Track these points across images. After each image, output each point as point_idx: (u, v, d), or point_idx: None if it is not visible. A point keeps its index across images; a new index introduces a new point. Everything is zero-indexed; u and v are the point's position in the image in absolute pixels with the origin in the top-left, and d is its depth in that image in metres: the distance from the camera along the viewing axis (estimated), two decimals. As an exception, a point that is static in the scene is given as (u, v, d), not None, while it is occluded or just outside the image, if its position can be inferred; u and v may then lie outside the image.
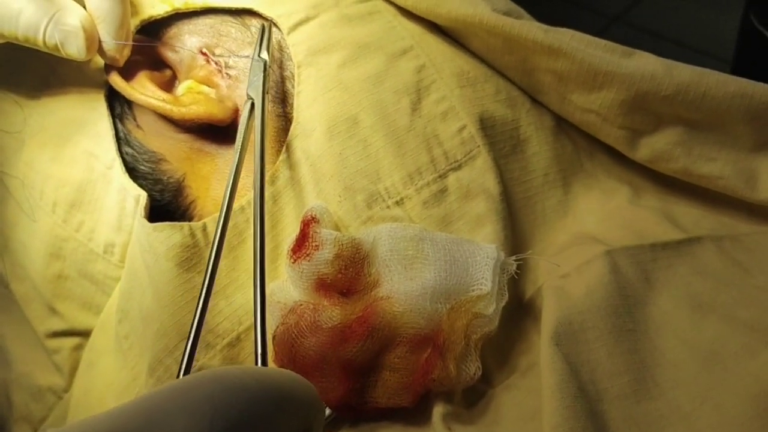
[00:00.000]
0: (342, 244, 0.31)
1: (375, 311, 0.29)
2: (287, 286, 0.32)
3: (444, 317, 0.29)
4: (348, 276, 0.30)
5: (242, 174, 0.36)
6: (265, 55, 0.35)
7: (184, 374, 0.29)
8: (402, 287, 0.30)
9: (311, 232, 0.31)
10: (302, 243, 0.31)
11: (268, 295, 0.32)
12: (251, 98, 0.34)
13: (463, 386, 0.29)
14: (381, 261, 0.31)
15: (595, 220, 0.35)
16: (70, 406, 0.37)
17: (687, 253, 0.32)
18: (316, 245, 0.31)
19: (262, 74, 0.34)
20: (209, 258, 0.31)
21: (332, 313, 0.29)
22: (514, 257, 0.32)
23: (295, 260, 0.31)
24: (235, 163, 0.33)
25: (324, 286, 0.30)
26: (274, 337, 0.30)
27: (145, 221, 0.34)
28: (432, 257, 0.30)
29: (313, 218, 0.31)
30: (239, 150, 0.33)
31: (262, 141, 0.33)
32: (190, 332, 0.30)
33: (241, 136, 0.33)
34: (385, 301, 0.29)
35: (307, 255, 0.30)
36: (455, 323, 0.29)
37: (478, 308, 0.30)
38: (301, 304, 0.30)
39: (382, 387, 0.29)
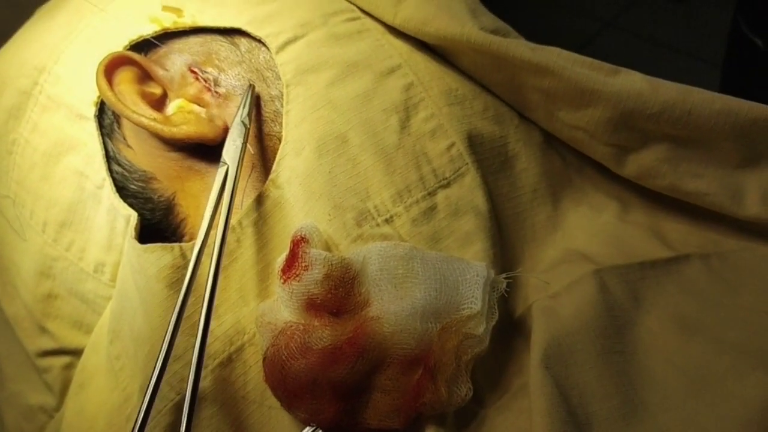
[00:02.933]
0: (332, 265, 0.31)
1: (365, 332, 0.29)
2: (277, 306, 0.32)
3: (434, 338, 0.30)
4: (338, 296, 0.30)
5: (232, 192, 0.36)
6: (246, 120, 0.34)
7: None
8: (392, 307, 0.30)
9: (301, 252, 0.31)
10: (292, 263, 0.31)
11: (258, 315, 0.32)
12: (225, 164, 0.33)
13: (455, 408, 0.29)
14: (371, 280, 0.31)
15: (584, 236, 0.36)
16: (62, 428, 0.37)
17: (675, 272, 0.33)
18: (305, 265, 0.31)
19: (240, 140, 0.34)
20: (187, 286, 0.31)
21: (322, 334, 0.30)
22: (504, 275, 0.32)
23: (285, 280, 0.31)
24: (203, 230, 0.32)
25: (314, 306, 0.30)
26: (264, 359, 0.30)
27: (135, 242, 0.34)
28: (422, 276, 0.30)
29: (302, 238, 0.31)
30: (208, 218, 0.32)
31: (228, 214, 0.32)
32: (157, 369, 0.29)
33: (211, 206, 0.33)
34: (375, 322, 0.29)
35: (297, 275, 0.31)
36: (446, 344, 0.29)
37: (469, 328, 0.30)
38: (291, 325, 0.30)
39: (373, 409, 0.29)
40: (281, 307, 0.31)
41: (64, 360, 0.39)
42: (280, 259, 0.32)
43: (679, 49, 1.06)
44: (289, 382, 0.29)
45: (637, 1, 1.19)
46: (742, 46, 0.83)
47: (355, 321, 0.30)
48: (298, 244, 0.31)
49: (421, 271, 0.31)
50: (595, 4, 1.18)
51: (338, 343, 0.29)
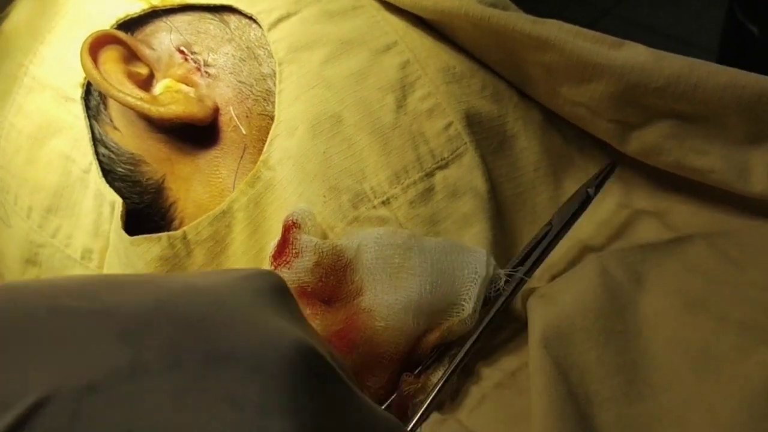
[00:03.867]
0: (322, 252, 0.30)
1: (356, 326, 0.28)
2: None
3: (420, 335, 0.29)
4: (329, 284, 0.30)
5: (223, 175, 0.35)
6: None
7: None
8: (385, 298, 0.29)
9: (291, 239, 0.30)
10: (282, 249, 0.30)
11: None
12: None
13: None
14: (366, 268, 0.30)
15: (585, 221, 0.35)
16: None
17: (678, 252, 0.32)
18: (296, 252, 0.30)
19: None
20: None
21: (312, 323, 0.29)
22: (503, 271, 0.31)
23: (275, 267, 0.30)
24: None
25: (305, 294, 0.30)
26: None
27: (123, 233, 0.33)
28: (419, 268, 0.30)
29: (294, 223, 0.30)
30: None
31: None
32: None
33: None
34: (366, 314, 0.29)
35: (287, 263, 0.30)
36: (428, 339, 0.29)
37: (454, 327, 0.29)
38: None
39: None
40: None
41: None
42: (272, 245, 0.31)
43: (676, 37, 1.06)
44: None
45: (633, -11, 1.18)
46: (738, 34, 0.83)
47: (347, 310, 0.29)
48: (289, 229, 0.30)
49: (418, 262, 0.30)
50: (590, -8, 1.18)
51: (328, 335, 0.28)
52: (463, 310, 0.30)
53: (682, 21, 1.10)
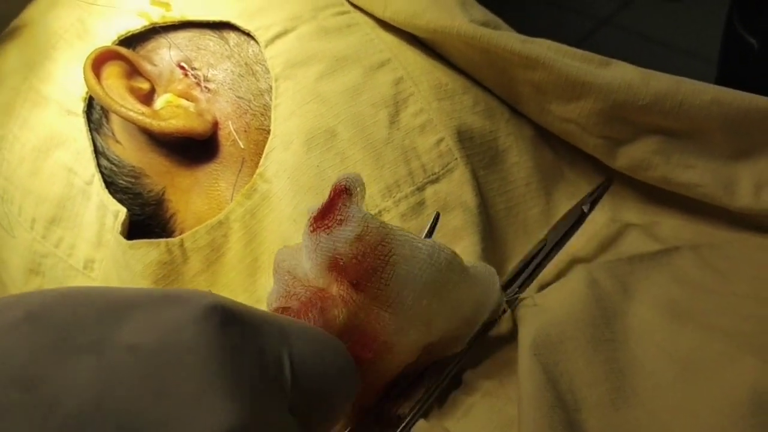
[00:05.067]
0: (368, 227, 0.27)
1: (371, 348, 0.27)
2: (300, 254, 0.28)
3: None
4: (364, 266, 0.26)
5: (221, 187, 0.36)
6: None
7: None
8: (411, 332, 0.27)
9: (340, 204, 0.27)
10: (326, 213, 0.27)
11: (278, 259, 0.29)
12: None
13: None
14: (403, 282, 0.27)
15: (575, 236, 0.35)
16: None
17: (665, 263, 0.32)
18: (340, 219, 0.27)
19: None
20: None
21: (339, 312, 0.27)
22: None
23: (314, 229, 0.27)
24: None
25: (337, 267, 0.27)
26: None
27: (122, 238, 0.34)
28: (449, 312, 0.28)
29: (345, 189, 0.27)
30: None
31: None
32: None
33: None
34: (383, 346, 0.27)
35: (328, 227, 0.27)
36: (419, 362, 0.29)
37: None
38: (306, 291, 0.28)
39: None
40: (303, 256, 0.28)
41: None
42: (314, 207, 0.28)
43: (675, 48, 1.06)
44: None
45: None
46: (737, 46, 0.83)
47: (369, 317, 0.27)
48: (340, 194, 0.27)
49: (455, 298, 0.28)
50: (590, 2, 1.18)
51: (348, 326, 0.27)
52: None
53: (681, 30, 1.10)
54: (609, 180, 0.36)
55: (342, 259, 0.27)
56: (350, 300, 0.27)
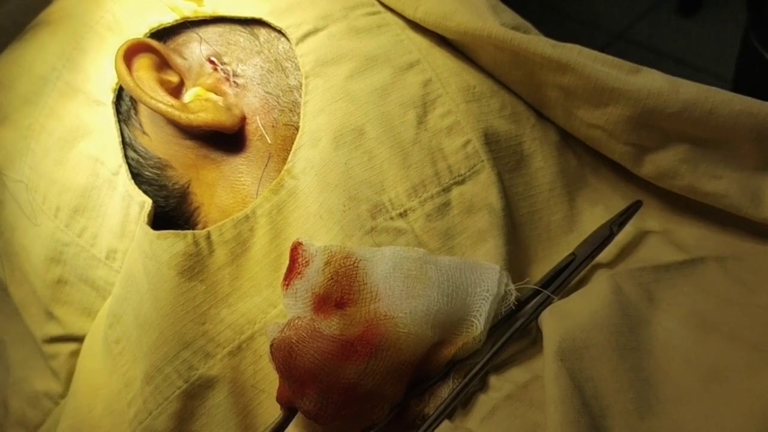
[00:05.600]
0: (331, 251, 0.30)
1: (379, 331, 0.29)
2: (283, 319, 0.31)
3: (433, 349, 0.30)
4: (340, 284, 0.30)
5: (247, 182, 0.36)
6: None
7: None
8: (405, 305, 0.29)
9: (300, 252, 0.31)
10: (293, 267, 0.31)
11: (266, 330, 0.31)
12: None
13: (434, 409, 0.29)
14: (381, 276, 0.30)
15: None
16: (63, 412, 0.36)
17: (690, 273, 0.32)
18: (305, 261, 0.30)
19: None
20: None
21: (331, 322, 0.29)
22: (515, 285, 0.31)
23: (288, 284, 0.30)
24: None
25: (319, 300, 0.30)
26: (272, 345, 0.30)
27: (149, 228, 0.34)
28: (435, 280, 0.30)
29: (299, 243, 0.31)
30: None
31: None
32: None
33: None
34: (388, 321, 0.29)
35: (299, 274, 0.30)
36: (439, 356, 0.30)
37: (468, 344, 0.30)
38: (298, 318, 0.30)
39: (370, 413, 0.29)
40: (288, 314, 0.31)
41: (71, 347, 0.39)
42: (282, 274, 0.31)
43: (689, 64, 1.07)
44: (297, 366, 0.29)
45: (646, 14, 1.19)
46: (753, 62, 0.83)
47: (365, 315, 0.29)
48: (296, 248, 0.31)
49: (434, 275, 0.30)
50: (604, 16, 1.19)
51: (349, 336, 0.29)
52: (473, 326, 0.30)
53: (694, 47, 1.10)
54: (639, 201, 0.36)
55: (321, 288, 0.30)
56: (342, 316, 0.29)
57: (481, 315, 0.30)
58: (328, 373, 0.29)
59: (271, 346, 0.30)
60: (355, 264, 0.30)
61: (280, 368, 0.29)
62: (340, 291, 0.30)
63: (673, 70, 0.34)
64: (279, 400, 0.30)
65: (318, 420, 0.29)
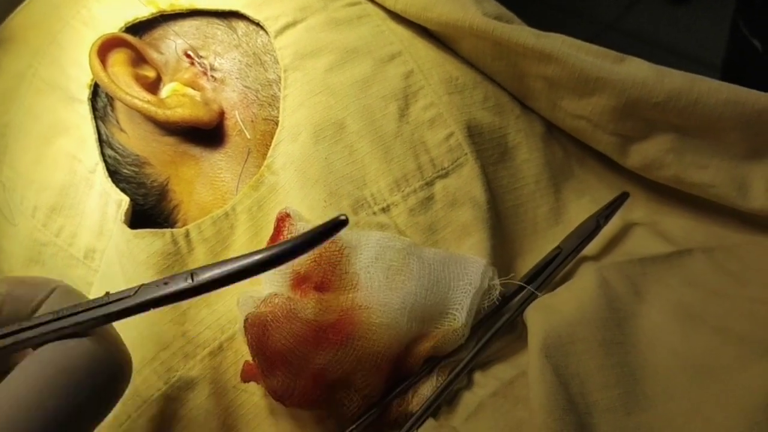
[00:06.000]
0: None
1: (352, 320, 0.28)
2: (260, 289, 0.31)
3: (410, 340, 0.29)
4: (322, 268, 0.29)
5: (226, 178, 0.35)
6: None
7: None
8: (382, 297, 0.29)
9: (287, 225, 0.30)
10: (277, 237, 0.30)
11: (240, 301, 0.30)
12: None
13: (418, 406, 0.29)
14: (363, 266, 0.30)
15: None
16: None
17: (677, 265, 0.32)
18: (290, 236, 0.30)
19: None
20: None
21: (307, 304, 0.29)
22: (500, 280, 0.31)
23: None
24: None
25: (299, 279, 0.29)
26: (246, 320, 0.29)
27: (126, 227, 0.34)
28: (416, 273, 0.30)
29: (287, 215, 0.31)
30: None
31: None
32: None
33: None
34: (363, 311, 0.29)
35: None
36: (419, 349, 0.29)
37: (446, 337, 0.29)
38: (275, 295, 0.29)
39: (344, 406, 0.29)
40: (266, 287, 0.30)
41: (51, 348, 0.38)
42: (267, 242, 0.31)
43: (679, 52, 1.06)
44: (269, 346, 0.28)
45: (636, 3, 1.19)
46: (742, 49, 0.83)
47: (341, 303, 0.29)
48: (283, 220, 0.30)
49: (416, 268, 0.30)
50: (594, 5, 1.18)
51: (323, 323, 0.28)
52: (455, 319, 0.30)
53: (684, 36, 1.10)
54: (626, 193, 0.36)
55: (302, 268, 0.29)
56: (319, 300, 0.29)
57: (462, 308, 0.30)
58: (298, 357, 0.28)
59: (246, 320, 0.29)
60: (340, 251, 0.30)
61: (252, 345, 0.29)
62: (321, 275, 0.29)
63: (664, 58, 0.34)
64: (243, 376, 0.30)
65: (283, 402, 0.29)
